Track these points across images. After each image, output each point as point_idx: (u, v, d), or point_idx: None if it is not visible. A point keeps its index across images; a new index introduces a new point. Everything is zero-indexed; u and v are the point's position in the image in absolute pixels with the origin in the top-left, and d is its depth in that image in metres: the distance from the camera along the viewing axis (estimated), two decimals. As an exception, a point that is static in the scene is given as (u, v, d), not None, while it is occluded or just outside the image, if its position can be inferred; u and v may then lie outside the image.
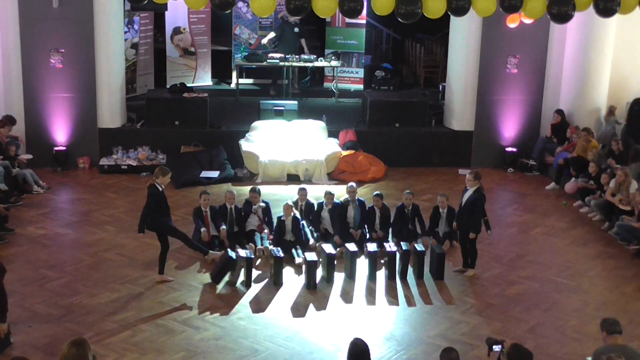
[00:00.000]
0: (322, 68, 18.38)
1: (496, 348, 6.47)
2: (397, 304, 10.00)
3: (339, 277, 10.62)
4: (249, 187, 12.45)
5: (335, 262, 10.61)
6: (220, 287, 10.25)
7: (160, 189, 10.29)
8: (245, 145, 14.75)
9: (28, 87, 14.61)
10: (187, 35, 18.01)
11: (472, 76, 15.46)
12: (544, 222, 12.98)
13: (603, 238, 12.34)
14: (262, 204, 11.83)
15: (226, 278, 10.34)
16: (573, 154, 14.40)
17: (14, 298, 9.73)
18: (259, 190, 11.96)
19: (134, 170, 14.62)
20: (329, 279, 10.46)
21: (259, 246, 11.16)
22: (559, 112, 15.16)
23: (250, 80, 18.71)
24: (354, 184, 12.27)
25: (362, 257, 10.98)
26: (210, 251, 10.93)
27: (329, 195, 11.85)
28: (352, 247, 10.85)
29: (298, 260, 10.99)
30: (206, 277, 10.49)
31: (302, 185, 12.77)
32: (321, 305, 9.89)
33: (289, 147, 14.92)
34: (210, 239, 11.36)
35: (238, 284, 10.31)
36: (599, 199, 13.01)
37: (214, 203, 13.17)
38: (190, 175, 14.25)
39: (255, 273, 10.56)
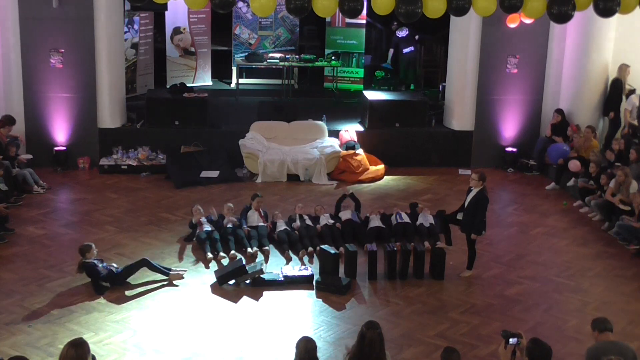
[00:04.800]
0: (322, 68, 18.39)
1: (512, 341, 6.46)
2: (397, 304, 10.00)
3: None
4: (248, 187, 12.44)
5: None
6: (221, 287, 10.25)
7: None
8: (245, 145, 14.75)
9: (28, 87, 14.61)
10: (187, 35, 18.02)
11: (472, 76, 15.45)
12: (544, 222, 12.98)
13: (603, 238, 12.34)
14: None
15: (231, 282, 10.35)
16: (573, 153, 14.40)
17: (14, 298, 9.76)
18: (260, 195, 12.17)
19: (134, 170, 14.62)
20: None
21: (257, 267, 10.65)
22: (559, 111, 15.16)
23: (250, 80, 18.71)
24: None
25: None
26: (171, 272, 10.52)
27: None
28: (351, 247, 10.88)
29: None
30: (206, 278, 10.49)
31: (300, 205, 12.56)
32: (321, 305, 9.89)
33: (289, 147, 14.92)
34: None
35: (241, 284, 10.32)
36: (599, 199, 13.01)
37: (215, 202, 13.23)
38: (190, 175, 14.25)
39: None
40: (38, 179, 13.68)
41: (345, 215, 12.14)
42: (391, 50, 18.92)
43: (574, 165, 13.96)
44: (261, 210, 11.93)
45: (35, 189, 13.52)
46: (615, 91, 14.95)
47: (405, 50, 18.67)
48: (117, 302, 9.77)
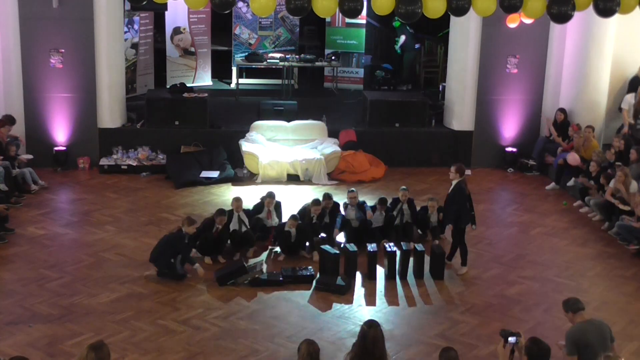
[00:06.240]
0: (322, 68, 18.39)
1: (512, 340, 6.48)
2: (397, 304, 10.00)
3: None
4: (249, 187, 12.33)
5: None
6: (221, 287, 10.25)
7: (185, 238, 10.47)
8: (245, 145, 14.75)
9: (28, 87, 14.60)
10: (187, 35, 18.01)
11: (472, 76, 15.45)
12: (544, 222, 12.98)
13: (603, 238, 12.34)
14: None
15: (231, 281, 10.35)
16: (569, 152, 14.39)
17: (14, 298, 9.76)
18: (273, 195, 11.95)
19: (134, 170, 14.62)
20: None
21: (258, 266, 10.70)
22: (562, 110, 15.15)
23: (250, 80, 18.71)
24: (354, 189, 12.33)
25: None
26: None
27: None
28: (351, 247, 10.88)
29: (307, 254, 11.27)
30: (206, 278, 10.48)
31: (317, 198, 12.02)
32: (321, 305, 9.89)
33: (289, 147, 14.92)
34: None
35: (241, 284, 10.32)
36: (600, 197, 12.99)
37: (215, 202, 13.23)
38: (190, 175, 14.25)
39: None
40: (37, 178, 13.67)
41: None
42: (403, 37, 18.77)
43: (573, 158, 13.95)
44: (272, 211, 11.87)
45: (33, 187, 13.50)
46: (631, 88, 14.97)
47: (417, 45, 18.76)
48: (117, 302, 9.78)
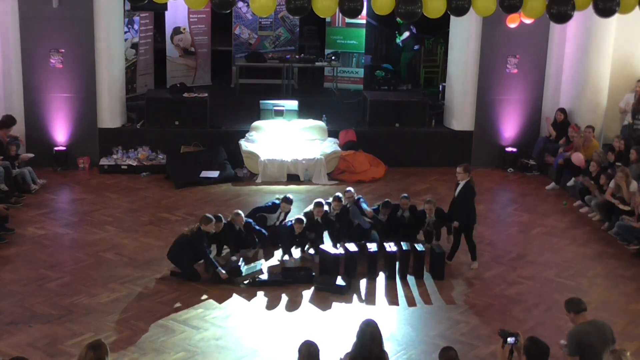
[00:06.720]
0: (322, 68, 18.39)
1: (510, 340, 6.49)
2: (397, 304, 10.00)
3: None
4: (248, 187, 12.22)
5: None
6: (221, 287, 10.25)
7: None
8: (245, 145, 14.75)
9: (28, 87, 14.60)
10: (187, 35, 18.02)
11: (472, 76, 15.45)
12: (544, 222, 12.98)
13: (603, 238, 12.34)
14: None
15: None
16: (572, 153, 14.39)
17: (14, 298, 9.76)
18: (291, 201, 11.81)
19: (134, 170, 14.61)
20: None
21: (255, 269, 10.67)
22: (562, 110, 15.15)
23: (250, 80, 18.70)
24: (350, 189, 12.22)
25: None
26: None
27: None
28: (351, 247, 10.87)
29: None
30: (204, 278, 10.48)
31: (319, 200, 11.82)
32: (322, 305, 9.89)
33: (289, 147, 14.92)
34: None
35: (241, 285, 10.32)
36: (600, 196, 12.99)
37: (215, 202, 13.24)
38: (190, 175, 14.25)
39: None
40: (36, 177, 13.67)
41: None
42: (406, 33, 18.71)
43: (578, 158, 13.93)
44: (283, 215, 11.84)
45: (33, 187, 13.50)
46: None
47: (416, 46, 18.77)
48: (117, 302, 9.78)
